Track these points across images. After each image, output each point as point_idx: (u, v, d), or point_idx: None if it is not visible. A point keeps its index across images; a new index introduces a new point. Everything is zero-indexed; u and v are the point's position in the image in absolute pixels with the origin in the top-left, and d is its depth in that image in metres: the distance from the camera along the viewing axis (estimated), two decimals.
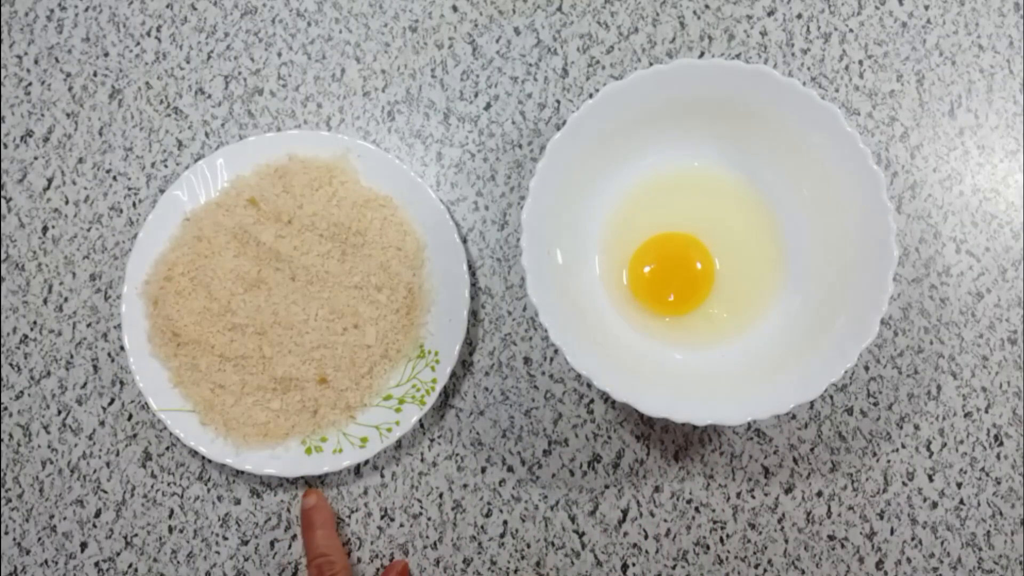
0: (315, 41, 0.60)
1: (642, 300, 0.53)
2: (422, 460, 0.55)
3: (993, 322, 0.56)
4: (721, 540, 0.54)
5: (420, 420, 0.55)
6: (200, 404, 0.54)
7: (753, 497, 0.54)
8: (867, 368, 0.56)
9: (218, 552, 0.55)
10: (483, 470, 0.55)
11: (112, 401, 0.56)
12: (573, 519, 0.54)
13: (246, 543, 0.55)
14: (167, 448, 0.56)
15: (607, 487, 0.55)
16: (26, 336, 0.57)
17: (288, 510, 0.55)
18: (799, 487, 0.55)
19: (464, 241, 0.57)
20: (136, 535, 0.55)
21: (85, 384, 0.57)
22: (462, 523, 0.55)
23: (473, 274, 0.57)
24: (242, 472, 0.55)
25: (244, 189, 0.56)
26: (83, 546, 0.55)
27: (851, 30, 0.60)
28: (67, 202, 0.59)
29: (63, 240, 0.58)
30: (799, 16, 0.60)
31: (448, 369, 0.54)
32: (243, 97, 0.60)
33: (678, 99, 0.51)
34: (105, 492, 0.56)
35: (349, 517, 0.55)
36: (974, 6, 0.60)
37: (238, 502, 0.55)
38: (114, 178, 0.59)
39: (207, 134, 0.59)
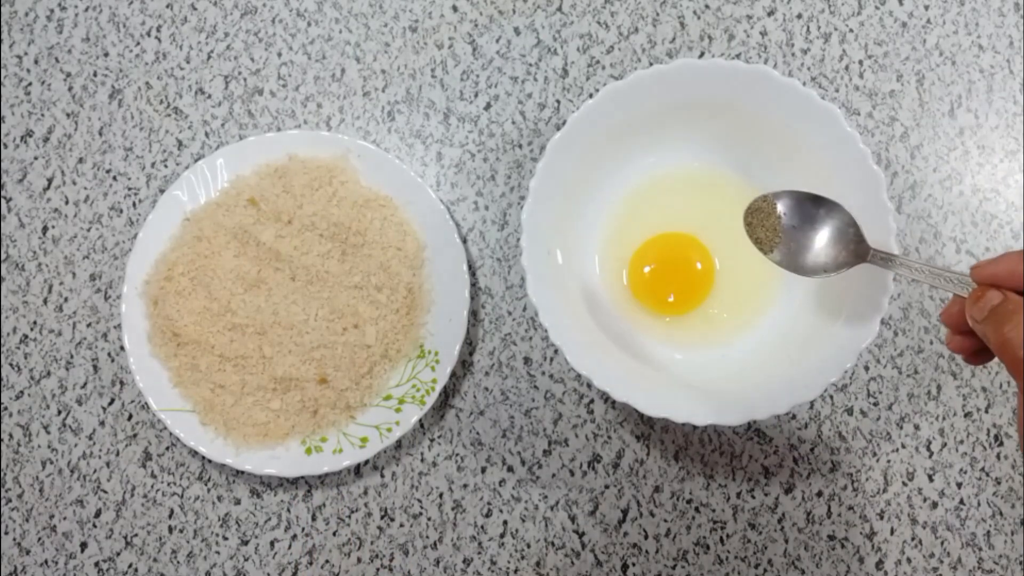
0: (315, 41, 0.60)
1: (642, 300, 0.53)
2: (422, 460, 0.55)
3: None
4: (721, 540, 0.54)
5: (420, 420, 0.55)
6: (200, 404, 0.54)
7: (753, 497, 0.54)
8: (867, 368, 0.56)
9: (218, 552, 0.55)
10: (483, 470, 0.55)
11: (112, 401, 0.56)
12: (573, 519, 0.54)
13: (246, 543, 0.55)
14: (167, 448, 0.56)
15: (607, 487, 0.55)
16: (26, 336, 0.57)
17: (288, 510, 0.55)
18: (799, 487, 0.55)
19: (464, 241, 0.57)
20: (136, 535, 0.55)
21: (85, 384, 0.57)
22: (462, 523, 0.55)
23: (473, 274, 0.57)
24: (242, 472, 0.55)
25: (244, 189, 0.56)
26: (83, 546, 0.55)
27: (851, 30, 0.60)
28: (67, 202, 0.59)
29: (63, 240, 0.58)
30: (799, 16, 0.60)
31: (448, 369, 0.54)
32: (243, 97, 0.60)
33: (678, 99, 0.51)
34: (105, 492, 0.56)
35: (349, 517, 0.55)
36: (974, 6, 0.60)
37: (238, 502, 0.55)
38: (114, 178, 0.59)
39: (207, 134, 0.59)
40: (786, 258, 0.46)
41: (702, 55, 0.60)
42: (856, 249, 0.45)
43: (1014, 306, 0.36)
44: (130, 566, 0.55)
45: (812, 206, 0.46)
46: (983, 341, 0.37)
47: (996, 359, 0.38)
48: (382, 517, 0.55)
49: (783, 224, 0.46)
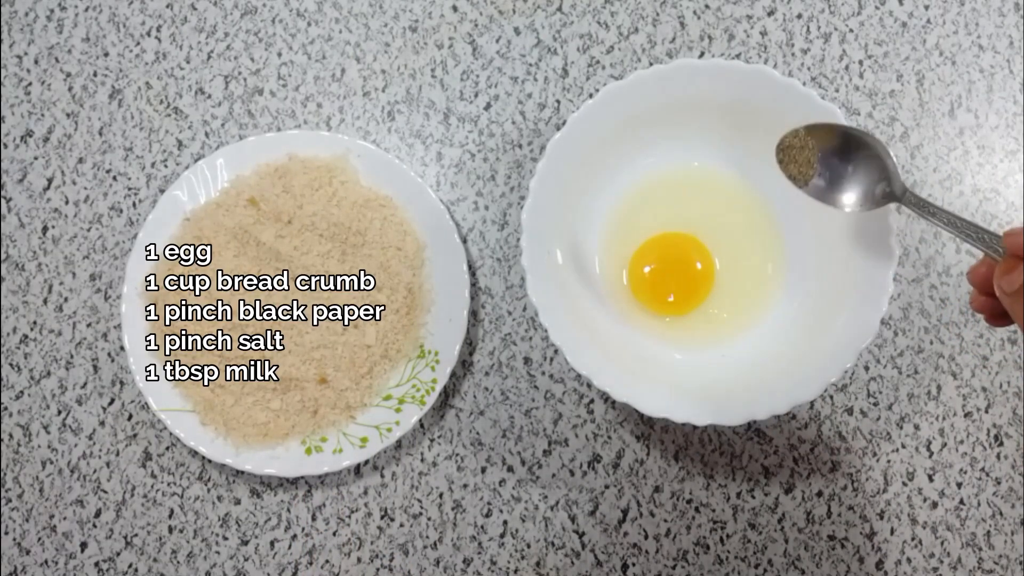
0: (315, 41, 0.60)
1: (642, 300, 0.53)
2: (422, 460, 0.55)
3: None
4: (721, 540, 0.54)
5: (420, 420, 0.55)
6: (200, 404, 0.54)
7: (753, 497, 0.54)
8: (867, 368, 0.56)
9: (218, 552, 0.55)
10: (483, 470, 0.55)
11: (112, 401, 0.56)
12: (573, 519, 0.54)
13: (246, 543, 0.55)
14: (167, 448, 0.56)
15: (607, 487, 0.55)
16: (26, 336, 0.57)
17: (288, 510, 0.55)
18: (799, 487, 0.55)
19: (464, 241, 0.57)
20: (136, 535, 0.55)
21: (85, 384, 0.57)
22: (462, 523, 0.55)
23: (473, 274, 0.57)
24: (242, 472, 0.55)
25: (244, 189, 0.56)
26: (83, 546, 0.55)
27: (851, 30, 0.60)
28: (67, 202, 0.59)
29: (63, 240, 0.58)
30: (799, 16, 0.60)
31: (448, 369, 0.54)
32: (243, 97, 0.60)
33: (678, 99, 0.51)
34: (105, 492, 0.56)
35: (349, 517, 0.55)
36: (974, 6, 0.60)
37: (238, 502, 0.55)
38: (114, 178, 0.59)
39: (207, 134, 0.59)
40: (819, 192, 0.46)
41: (702, 55, 0.60)
42: (890, 188, 0.45)
43: None
44: (130, 566, 0.55)
45: (846, 140, 0.46)
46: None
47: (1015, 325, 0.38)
48: (382, 517, 0.55)
49: (817, 158, 0.46)
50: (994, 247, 0.39)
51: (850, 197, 0.46)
